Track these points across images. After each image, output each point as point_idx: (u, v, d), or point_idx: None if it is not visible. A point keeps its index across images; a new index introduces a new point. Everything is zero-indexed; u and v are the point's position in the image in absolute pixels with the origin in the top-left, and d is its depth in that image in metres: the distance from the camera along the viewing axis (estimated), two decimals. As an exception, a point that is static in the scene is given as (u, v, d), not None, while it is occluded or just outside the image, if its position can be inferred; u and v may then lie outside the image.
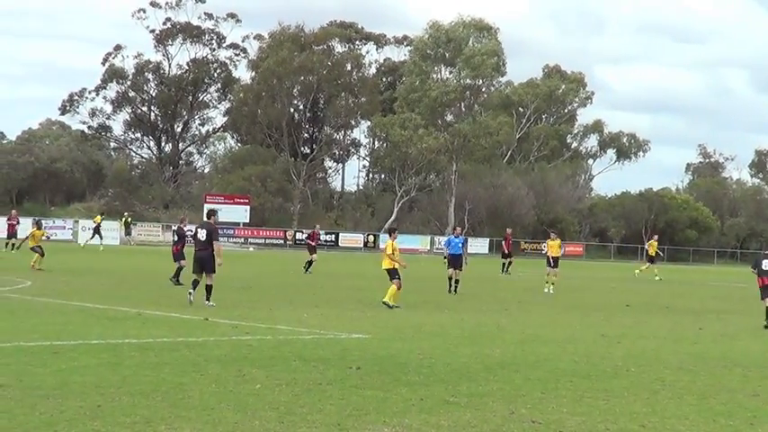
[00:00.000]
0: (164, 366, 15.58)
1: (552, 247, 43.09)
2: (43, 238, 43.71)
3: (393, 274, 29.53)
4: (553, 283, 40.90)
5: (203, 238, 27.35)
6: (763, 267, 28.53)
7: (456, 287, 36.75)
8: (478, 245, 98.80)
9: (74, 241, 79.92)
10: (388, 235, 31.78)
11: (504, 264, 56.22)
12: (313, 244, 48.28)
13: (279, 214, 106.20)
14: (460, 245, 38.47)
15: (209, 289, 27.08)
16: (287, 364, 16.47)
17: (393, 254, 29.82)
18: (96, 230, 70.06)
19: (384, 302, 28.66)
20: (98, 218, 72.76)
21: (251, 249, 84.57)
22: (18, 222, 58.65)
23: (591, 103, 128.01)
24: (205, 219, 29.22)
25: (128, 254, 61.55)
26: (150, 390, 13.52)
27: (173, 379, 14.45)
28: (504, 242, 58.63)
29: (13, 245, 54.71)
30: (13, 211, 60.84)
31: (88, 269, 43.64)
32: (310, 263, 47.05)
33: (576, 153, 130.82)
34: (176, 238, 36.87)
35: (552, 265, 41.99)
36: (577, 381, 15.94)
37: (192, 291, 26.88)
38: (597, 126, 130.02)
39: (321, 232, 67.73)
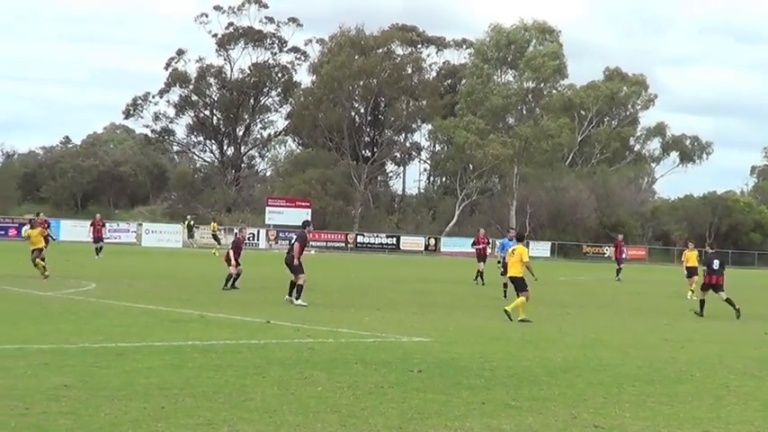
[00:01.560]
0: (226, 368, 15.65)
1: (690, 258, 41.44)
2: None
3: (522, 284, 27.52)
4: (692, 291, 39.75)
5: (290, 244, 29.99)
6: (714, 267, 31.22)
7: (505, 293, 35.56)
8: (540, 248, 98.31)
9: (137, 244, 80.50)
10: (516, 240, 29.88)
11: (617, 270, 54.90)
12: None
13: (340, 217, 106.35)
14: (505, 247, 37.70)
15: (298, 289, 28.89)
16: (348, 366, 16.49)
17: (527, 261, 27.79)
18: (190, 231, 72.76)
19: (507, 312, 26.51)
20: (214, 225, 74.95)
21: (312, 252, 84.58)
22: (104, 225, 58.33)
23: (653, 106, 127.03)
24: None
25: (190, 257, 61.88)
26: (213, 392, 13.59)
27: (235, 381, 14.51)
28: (614, 249, 57.77)
29: (98, 249, 54.54)
30: (98, 215, 60.85)
31: (151, 272, 43.92)
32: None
33: (639, 156, 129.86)
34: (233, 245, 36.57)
35: (689, 275, 40.78)
36: (640, 385, 15.83)
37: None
38: (660, 129, 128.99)
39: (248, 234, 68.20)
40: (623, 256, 56.32)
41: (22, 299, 27.02)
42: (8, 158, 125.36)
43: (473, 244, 47.22)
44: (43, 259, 36.47)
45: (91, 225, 58.79)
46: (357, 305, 29.79)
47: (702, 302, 31.79)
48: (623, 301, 38.12)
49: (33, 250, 36.72)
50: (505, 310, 26.74)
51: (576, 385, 15.56)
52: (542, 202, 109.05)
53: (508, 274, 29.24)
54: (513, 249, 28.27)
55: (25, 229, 38.84)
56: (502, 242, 38.84)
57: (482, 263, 43.35)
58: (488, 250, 45.64)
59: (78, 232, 76.51)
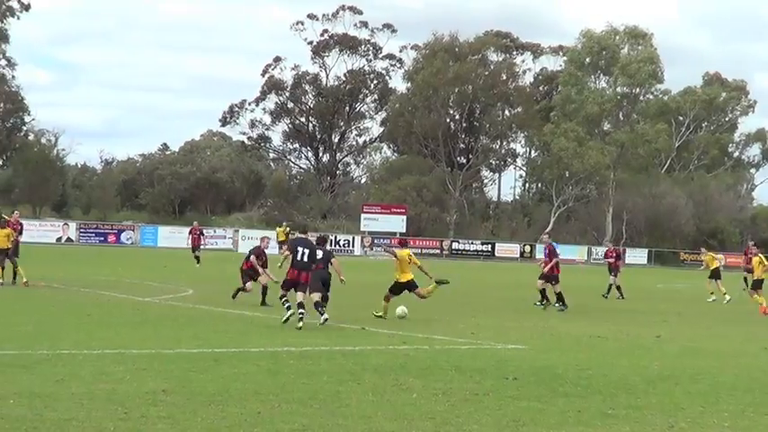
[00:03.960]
0: (321, 374, 15.73)
1: (761, 265, 40.23)
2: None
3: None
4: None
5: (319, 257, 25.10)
6: None
7: (556, 299, 34.05)
8: (637, 255, 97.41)
9: (233, 250, 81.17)
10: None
11: (745, 278, 53.56)
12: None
13: (435, 224, 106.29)
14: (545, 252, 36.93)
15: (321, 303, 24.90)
16: (443, 373, 16.47)
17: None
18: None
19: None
20: (280, 230, 74.20)
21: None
22: (201, 234, 58.10)
23: (753, 112, 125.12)
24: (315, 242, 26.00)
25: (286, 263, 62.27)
26: (308, 397, 13.65)
27: (330, 387, 14.57)
28: (744, 256, 56.67)
29: (197, 257, 54.31)
30: (195, 223, 61.18)
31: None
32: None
33: (738, 162, 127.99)
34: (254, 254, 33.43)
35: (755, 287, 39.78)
36: (739, 395, 15.60)
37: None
38: (760, 135, 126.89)
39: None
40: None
41: (122, 304, 27.39)
42: (107, 165, 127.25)
43: (605, 256, 46.67)
44: (6, 267, 33.98)
45: (189, 233, 59.13)
46: (452, 312, 29.76)
47: None
48: (723, 309, 37.62)
49: None
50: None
51: (673, 394, 15.39)
52: (639, 208, 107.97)
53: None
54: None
55: None
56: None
57: (613, 276, 42.47)
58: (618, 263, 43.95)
59: (176, 238, 77.48)
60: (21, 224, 35.14)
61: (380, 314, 26.87)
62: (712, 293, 42.27)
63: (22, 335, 19.33)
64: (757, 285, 36.91)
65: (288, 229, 70.81)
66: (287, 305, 23.64)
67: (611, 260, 42.75)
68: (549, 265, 33.32)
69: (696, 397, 15.25)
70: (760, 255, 38.24)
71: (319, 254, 24.90)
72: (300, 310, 23.17)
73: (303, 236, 26.01)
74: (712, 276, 43.04)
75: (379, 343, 20.64)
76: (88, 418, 11.72)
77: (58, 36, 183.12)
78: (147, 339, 19.53)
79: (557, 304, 32.53)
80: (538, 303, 33.89)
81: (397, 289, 27.23)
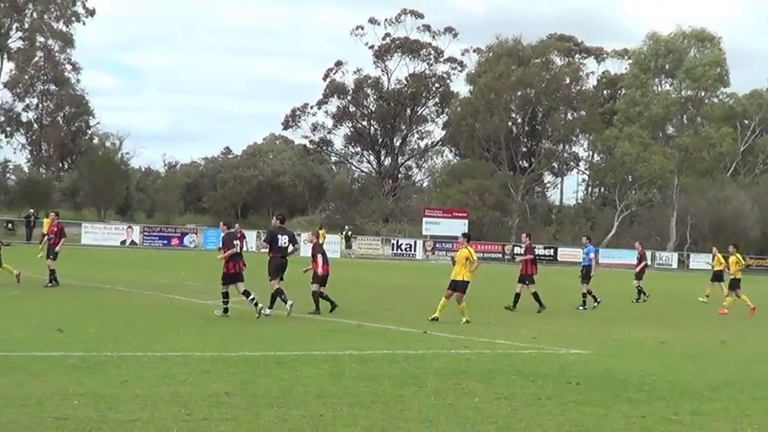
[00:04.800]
0: (383, 378, 15.72)
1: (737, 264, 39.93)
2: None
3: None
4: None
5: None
6: None
7: (583, 302, 34.73)
8: (701, 260, 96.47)
9: (296, 255, 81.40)
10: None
11: None
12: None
13: (497, 228, 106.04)
14: (586, 255, 36.82)
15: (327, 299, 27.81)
16: (505, 378, 16.42)
17: None
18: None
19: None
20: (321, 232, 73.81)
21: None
22: (243, 237, 58.29)
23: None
24: (281, 225, 28.05)
25: (348, 267, 62.34)
26: (370, 401, 13.66)
27: (392, 391, 14.57)
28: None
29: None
30: (236, 225, 61.63)
31: (308, 281, 44.30)
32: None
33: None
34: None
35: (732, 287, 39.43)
36: (806, 401, 15.42)
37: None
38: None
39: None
40: None
41: (184, 307, 27.56)
42: (171, 169, 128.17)
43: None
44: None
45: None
46: (514, 316, 29.67)
47: None
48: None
49: None
50: None
51: (738, 401, 15.23)
52: (703, 212, 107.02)
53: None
54: None
55: None
56: (586, 249, 37.52)
57: (717, 282, 42.09)
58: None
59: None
60: (59, 227, 35.27)
61: (467, 319, 26.62)
62: (707, 295, 42.27)
63: (88, 337, 19.50)
64: (735, 285, 37.06)
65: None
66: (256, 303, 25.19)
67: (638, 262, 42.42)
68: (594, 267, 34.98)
69: (762, 403, 15.10)
70: (737, 254, 37.95)
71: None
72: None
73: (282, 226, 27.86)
74: (715, 279, 42.96)
75: (440, 347, 20.61)
76: (152, 420, 11.81)
77: (122, 40, 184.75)
78: (210, 342, 19.63)
79: (540, 307, 32.06)
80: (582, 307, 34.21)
81: (451, 286, 27.16)
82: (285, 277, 26.96)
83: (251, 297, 25.38)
